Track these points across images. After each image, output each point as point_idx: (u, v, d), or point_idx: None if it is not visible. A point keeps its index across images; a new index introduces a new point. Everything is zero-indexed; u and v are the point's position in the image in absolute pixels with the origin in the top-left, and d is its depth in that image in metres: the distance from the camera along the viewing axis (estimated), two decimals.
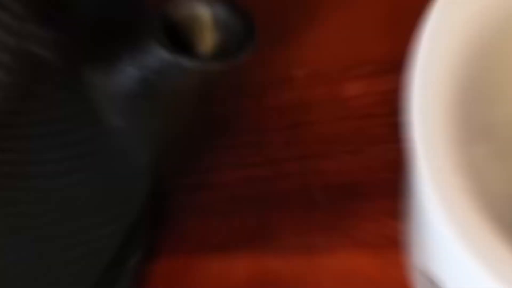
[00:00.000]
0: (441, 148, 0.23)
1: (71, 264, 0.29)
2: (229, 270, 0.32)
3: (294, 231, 0.30)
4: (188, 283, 0.32)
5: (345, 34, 0.33)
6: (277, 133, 0.32)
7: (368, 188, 0.30)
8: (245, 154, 0.32)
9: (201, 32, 0.23)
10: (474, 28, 0.25)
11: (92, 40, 0.25)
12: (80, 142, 0.26)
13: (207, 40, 0.23)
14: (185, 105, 0.26)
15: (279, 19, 0.33)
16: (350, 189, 0.30)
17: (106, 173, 0.27)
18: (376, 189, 0.30)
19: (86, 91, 0.24)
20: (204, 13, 0.23)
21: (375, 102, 0.32)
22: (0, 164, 0.25)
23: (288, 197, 0.31)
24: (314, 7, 0.35)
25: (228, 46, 0.23)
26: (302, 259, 0.29)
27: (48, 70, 0.24)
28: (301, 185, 0.31)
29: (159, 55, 0.23)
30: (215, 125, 0.32)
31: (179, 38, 0.23)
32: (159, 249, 0.33)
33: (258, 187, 0.32)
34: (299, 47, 0.34)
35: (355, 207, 0.30)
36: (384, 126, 0.32)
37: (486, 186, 0.24)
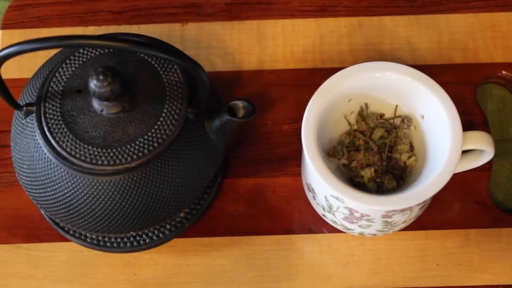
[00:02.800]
0: (312, 144, 0.51)
1: (195, 187, 0.52)
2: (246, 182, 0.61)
3: (267, 172, 0.61)
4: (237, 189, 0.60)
5: (287, 112, 0.63)
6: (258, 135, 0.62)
7: (292, 156, 0.62)
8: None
9: (238, 109, 0.51)
10: (322, 105, 0.53)
11: (209, 112, 0.51)
12: (205, 146, 0.52)
13: (240, 112, 0.51)
14: (233, 133, 0.53)
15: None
16: (286, 157, 0.62)
17: (212, 155, 0.53)
18: (294, 156, 0.62)
19: (206, 128, 0.52)
20: (239, 103, 0.51)
21: (294, 131, 0.63)
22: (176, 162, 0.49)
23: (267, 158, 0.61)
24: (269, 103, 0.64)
25: (246, 115, 0.50)
26: (268, 180, 0.61)
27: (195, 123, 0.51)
28: (268, 154, 0.62)
29: (227, 117, 0.50)
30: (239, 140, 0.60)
31: (232, 111, 0.51)
32: (228, 176, 0.60)
33: (256, 154, 0.62)
34: (268, 115, 0.63)
35: (287, 163, 0.62)
36: (296, 138, 0.62)
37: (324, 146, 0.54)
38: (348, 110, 0.58)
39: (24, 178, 0.51)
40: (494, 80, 0.65)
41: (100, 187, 0.48)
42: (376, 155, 0.57)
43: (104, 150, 0.48)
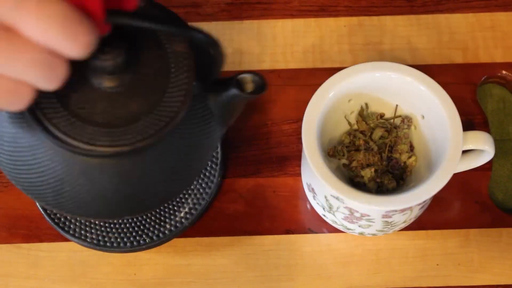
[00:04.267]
0: (312, 144, 0.52)
1: (197, 168, 0.48)
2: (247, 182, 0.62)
3: (267, 172, 0.61)
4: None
5: (287, 112, 0.64)
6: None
7: (292, 156, 0.62)
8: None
9: (247, 83, 0.44)
10: (322, 105, 0.53)
11: (214, 86, 0.45)
12: (208, 124, 0.46)
13: (249, 86, 0.44)
14: (238, 110, 0.47)
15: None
16: (286, 157, 0.62)
17: (215, 135, 0.47)
18: (295, 156, 0.62)
19: (209, 104, 0.45)
20: (248, 76, 0.44)
21: (294, 131, 0.63)
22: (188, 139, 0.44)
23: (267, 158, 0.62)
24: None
25: (256, 90, 0.44)
26: (268, 180, 0.61)
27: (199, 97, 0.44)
28: (268, 154, 0.62)
29: (235, 91, 0.44)
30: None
31: (240, 85, 0.44)
32: (228, 176, 0.60)
33: (256, 154, 0.61)
34: (268, 115, 0.63)
35: (287, 163, 0.62)
36: (296, 138, 0.62)
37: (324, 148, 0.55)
38: (348, 110, 0.58)
39: (3, 157, 0.45)
40: (494, 80, 0.65)
41: (97, 170, 0.43)
42: (376, 155, 0.57)
43: (104, 129, 0.41)
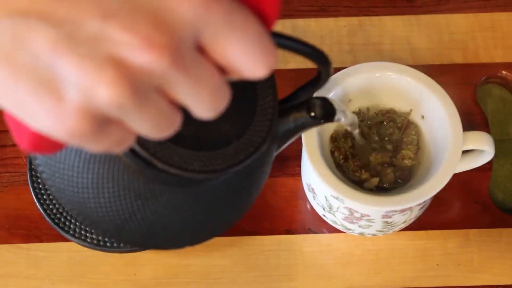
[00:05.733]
0: (312, 144, 0.53)
1: (255, 194, 0.44)
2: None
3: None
4: None
5: None
6: None
7: (292, 156, 0.61)
8: None
9: (316, 107, 0.43)
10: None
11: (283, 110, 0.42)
12: (272, 148, 0.42)
13: (317, 111, 0.43)
14: (297, 136, 0.45)
15: None
16: (286, 157, 0.62)
17: (271, 159, 0.43)
18: (295, 156, 0.61)
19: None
20: (316, 101, 0.43)
21: None
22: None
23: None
24: None
25: (326, 116, 0.43)
26: (268, 180, 0.61)
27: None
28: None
29: (306, 117, 0.42)
30: None
31: (310, 110, 0.42)
32: None
33: None
34: None
35: (287, 163, 0.62)
36: (298, 138, 0.61)
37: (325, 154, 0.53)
38: (348, 109, 0.59)
39: (66, 182, 0.39)
40: (494, 80, 0.65)
41: (179, 196, 0.39)
42: (380, 154, 0.57)
43: (196, 153, 0.37)
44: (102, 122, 0.27)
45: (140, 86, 0.26)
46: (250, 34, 0.27)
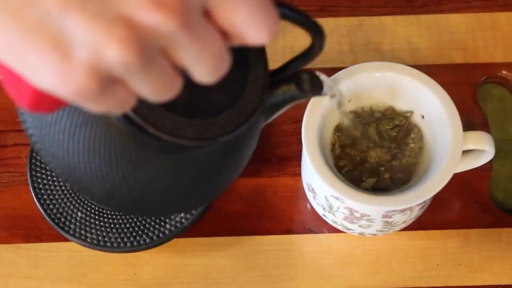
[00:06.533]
0: (312, 144, 0.52)
1: (241, 166, 0.44)
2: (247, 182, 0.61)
3: (267, 172, 0.61)
4: None
5: (287, 112, 0.60)
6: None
7: (292, 156, 0.62)
8: None
9: (305, 82, 0.42)
10: (322, 105, 0.52)
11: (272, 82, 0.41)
12: (258, 120, 0.42)
13: (306, 86, 0.42)
14: (283, 110, 0.44)
15: None
16: (286, 157, 0.62)
17: (258, 132, 0.43)
18: (295, 156, 0.62)
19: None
20: (304, 75, 0.42)
21: (294, 131, 0.63)
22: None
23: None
24: None
25: (314, 91, 0.42)
26: (268, 180, 0.61)
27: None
28: (268, 154, 0.62)
29: (294, 91, 0.41)
30: None
31: (299, 84, 0.42)
32: None
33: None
34: None
35: (287, 163, 0.62)
36: (296, 138, 0.62)
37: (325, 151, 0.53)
38: (348, 110, 0.59)
39: (58, 145, 0.39)
40: (494, 80, 0.65)
41: (169, 163, 0.39)
42: (379, 152, 0.56)
43: (187, 120, 0.36)
44: (107, 82, 0.27)
45: (147, 47, 0.26)
46: (255, 0, 0.28)
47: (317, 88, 0.43)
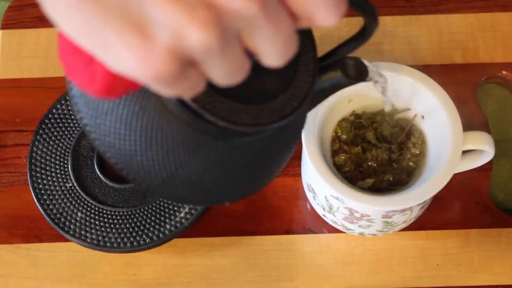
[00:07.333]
0: (312, 144, 0.52)
1: (290, 155, 0.44)
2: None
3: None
4: None
5: None
6: None
7: (292, 156, 0.54)
8: None
9: (350, 68, 0.42)
10: (322, 105, 0.52)
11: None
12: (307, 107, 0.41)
13: (351, 71, 0.42)
14: (328, 96, 0.43)
15: None
16: None
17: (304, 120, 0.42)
18: (295, 156, 0.53)
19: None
20: (350, 61, 0.42)
21: None
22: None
23: None
24: None
25: (359, 77, 0.42)
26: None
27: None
28: None
29: (341, 76, 0.41)
30: None
31: (345, 70, 0.41)
32: None
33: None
34: None
35: (288, 163, 0.62)
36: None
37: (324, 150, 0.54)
38: (348, 110, 0.58)
39: (112, 136, 0.38)
40: (494, 80, 0.65)
41: (225, 150, 0.39)
42: (379, 152, 0.56)
43: (243, 106, 0.36)
44: (185, 66, 0.27)
45: (227, 31, 0.26)
46: None
47: (362, 74, 0.43)
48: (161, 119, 0.37)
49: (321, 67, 0.42)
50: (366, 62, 0.44)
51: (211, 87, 0.33)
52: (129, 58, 0.26)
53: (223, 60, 0.27)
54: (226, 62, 0.27)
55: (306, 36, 0.39)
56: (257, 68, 0.33)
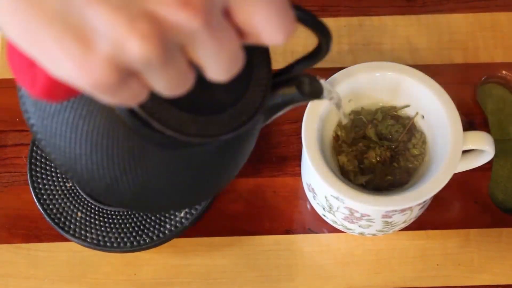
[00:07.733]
0: (312, 144, 0.52)
1: (240, 165, 0.44)
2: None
3: (267, 172, 0.61)
4: None
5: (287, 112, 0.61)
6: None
7: (292, 156, 0.62)
8: None
9: (305, 85, 0.42)
10: (322, 105, 0.52)
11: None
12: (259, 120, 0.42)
13: (306, 88, 0.42)
14: (282, 112, 0.44)
15: None
16: (286, 157, 0.62)
17: (257, 132, 0.43)
18: (295, 156, 0.62)
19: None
20: (305, 79, 0.42)
21: (294, 131, 0.63)
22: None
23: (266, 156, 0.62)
24: None
25: (313, 94, 0.43)
26: (268, 180, 0.61)
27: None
28: (268, 154, 0.62)
29: (295, 93, 0.41)
30: None
31: (300, 87, 0.42)
32: None
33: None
34: None
35: (287, 163, 0.62)
36: (296, 138, 0.62)
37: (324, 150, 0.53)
38: (348, 110, 0.58)
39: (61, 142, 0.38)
40: (494, 80, 0.65)
41: (171, 159, 0.39)
42: (380, 152, 0.56)
43: (192, 117, 0.36)
44: (125, 75, 0.27)
45: (168, 44, 0.26)
46: (274, 0, 0.28)
47: (317, 92, 0.44)
48: (108, 125, 0.37)
49: (276, 82, 0.42)
50: (321, 81, 0.45)
51: (160, 96, 0.32)
52: (68, 65, 0.26)
53: (164, 72, 0.27)
54: (168, 74, 0.28)
55: (260, 51, 0.39)
56: (207, 80, 0.33)
